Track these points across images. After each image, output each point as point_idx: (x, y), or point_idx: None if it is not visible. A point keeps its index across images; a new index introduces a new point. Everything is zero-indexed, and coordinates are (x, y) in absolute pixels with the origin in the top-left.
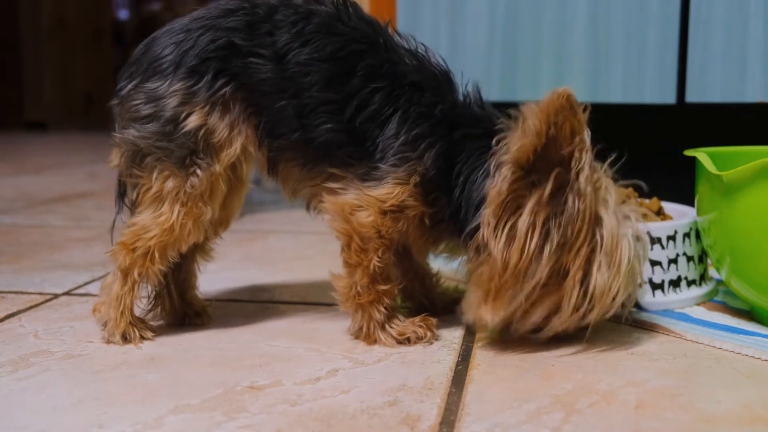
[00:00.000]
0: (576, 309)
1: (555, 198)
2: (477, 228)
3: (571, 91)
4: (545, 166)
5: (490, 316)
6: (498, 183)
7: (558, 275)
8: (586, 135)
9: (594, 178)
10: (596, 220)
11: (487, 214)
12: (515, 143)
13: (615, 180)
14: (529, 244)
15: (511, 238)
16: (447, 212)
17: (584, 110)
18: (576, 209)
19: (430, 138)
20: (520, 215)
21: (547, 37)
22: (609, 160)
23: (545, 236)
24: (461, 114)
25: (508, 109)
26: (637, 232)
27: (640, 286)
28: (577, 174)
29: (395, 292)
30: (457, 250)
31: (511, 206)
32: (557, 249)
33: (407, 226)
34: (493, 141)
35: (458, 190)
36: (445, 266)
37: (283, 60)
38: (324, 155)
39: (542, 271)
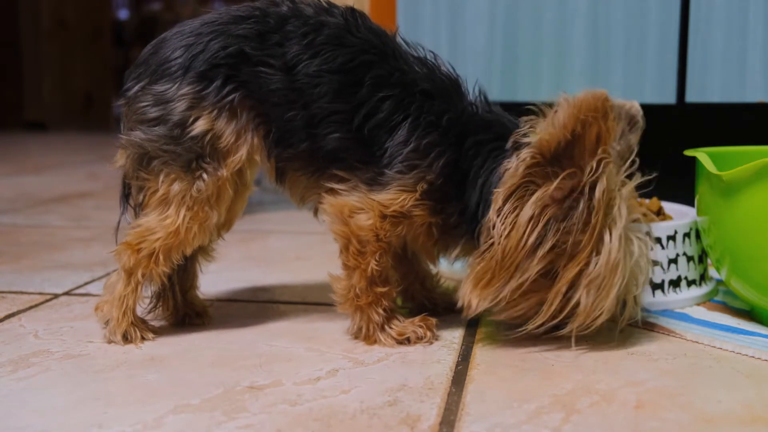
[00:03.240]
0: (553, 317)
1: (565, 201)
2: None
3: (609, 95)
4: (564, 163)
5: (476, 301)
6: (514, 164)
7: (547, 278)
8: (612, 146)
9: (611, 195)
10: (599, 239)
11: (498, 193)
12: (542, 129)
13: (636, 197)
14: (528, 237)
15: (512, 225)
16: (460, 220)
17: (633, 124)
18: (582, 220)
19: (440, 147)
20: (525, 204)
21: (547, 37)
22: (639, 181)
23: (543, 235)
24: (470, 121)
25: (508, 109)
26: (638, 260)
27: (621, 312)
28: (594, 184)
29: (394, 294)
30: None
31: (522, 192)
32: (552, 252)
33: (416, 233)
34: (520, 121)
35: (476, 195)
36: (448, 267)
37: (292, 71)
38: (331, 161)
39: (533, 269)
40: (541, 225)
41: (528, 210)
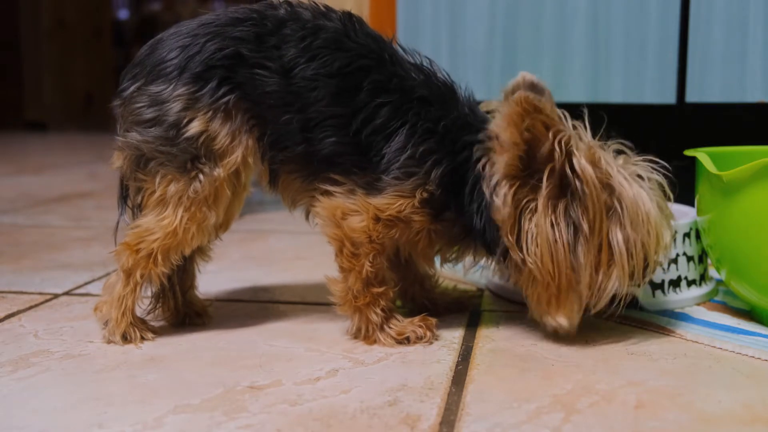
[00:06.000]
0: (631, 275)
1: (565, 190)
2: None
3: (526, 94)
4: (539, 166)
5: (566, 321)
6: (500, 204)
7: (602, 253)
8: (561, 123)
9: (590, 155)
10: (609, 191)
11: (504, 233)
12: (498, 161)
13: (603, 143)
14: (561, 239)
15: (538, 245)
16: (465, 232)
17: (539, 90)
18: (585, 191)
19: (436, 155)
20: (538, 220)
21: (547, 38)
22: (587, 130)
23: (574, 227)
24: (463, 130)
25: None
26: (652, 184)
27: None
28: (569, 160)
29: (391, 294)
30: (482, 256)
31: (526, 215)
32: (590, 232)
33: (414, 238)
34: (478, 167)
35: (477, 218)
36: (448, 268)
37: (289, 74)
38: (327, 165)
39: (590, 255)
40: (563, 221)
41: (543, 221)
